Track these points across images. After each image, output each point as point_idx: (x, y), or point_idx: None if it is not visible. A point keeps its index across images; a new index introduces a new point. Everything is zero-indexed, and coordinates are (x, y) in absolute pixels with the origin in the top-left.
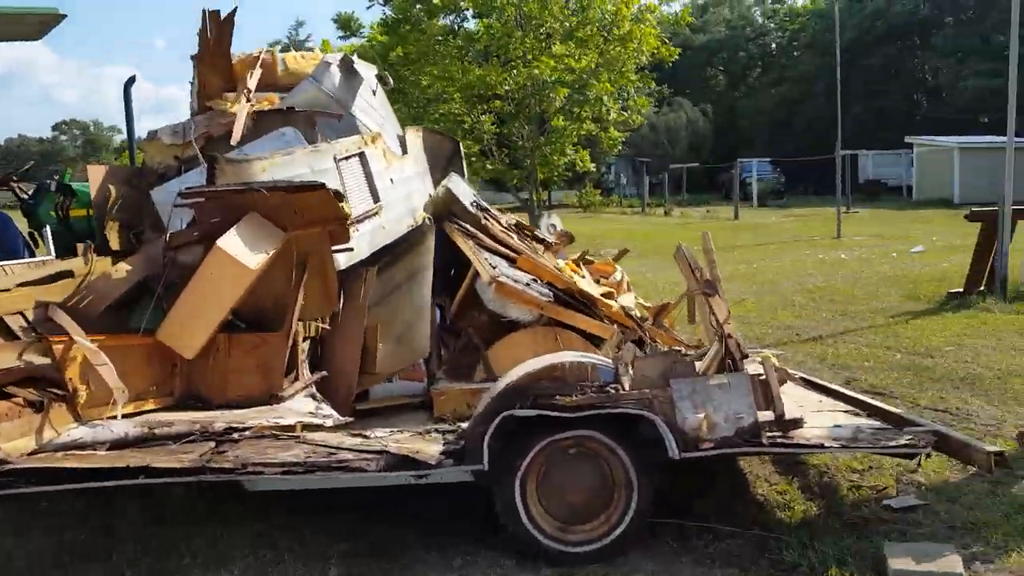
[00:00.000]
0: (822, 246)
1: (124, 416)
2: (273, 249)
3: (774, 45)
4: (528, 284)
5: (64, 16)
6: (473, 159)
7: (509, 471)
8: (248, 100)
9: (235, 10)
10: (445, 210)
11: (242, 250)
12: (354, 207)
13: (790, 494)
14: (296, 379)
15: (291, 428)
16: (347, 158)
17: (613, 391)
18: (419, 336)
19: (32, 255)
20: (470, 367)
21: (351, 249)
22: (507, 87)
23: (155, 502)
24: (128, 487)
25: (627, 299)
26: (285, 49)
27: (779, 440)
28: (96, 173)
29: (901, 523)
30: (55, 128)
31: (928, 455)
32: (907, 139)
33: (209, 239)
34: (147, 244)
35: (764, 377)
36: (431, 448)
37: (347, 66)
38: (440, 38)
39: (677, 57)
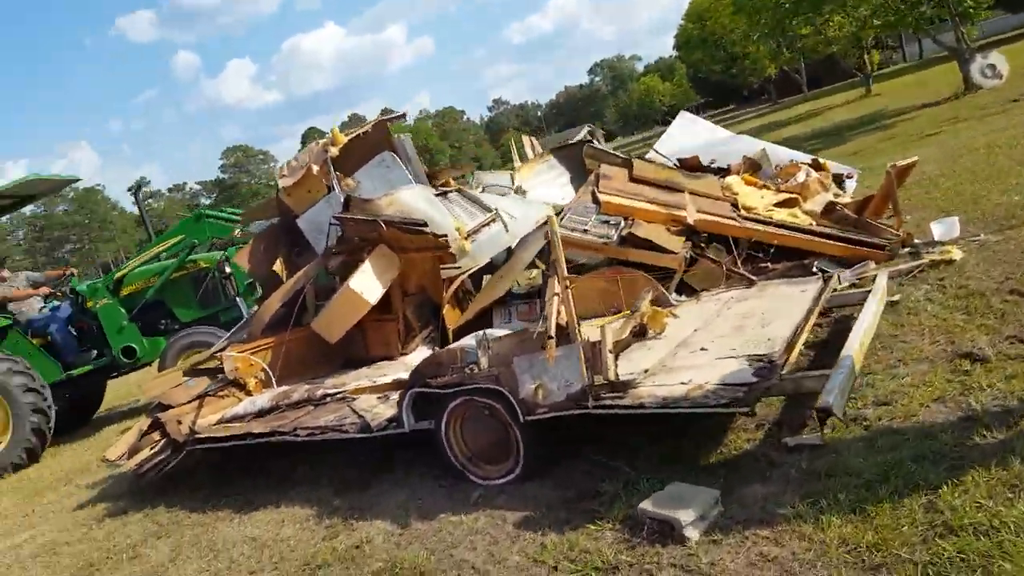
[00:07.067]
0: None
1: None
2: (392, 277)
3: None
4: (585, 231)
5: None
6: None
7: (438, 418)
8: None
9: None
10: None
11: (367, 287)
12: (466, 223)
13: (731, 434)
14: (414, 339)
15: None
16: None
17: (470, 371)
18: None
19: None
20: None
21: (458, 267)
22: None
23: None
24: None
25: (819, 200)
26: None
27: (605, 402)
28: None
29: (764, 462)
30: (590, 72)
31: (751, 413)
32: None
33: (352, 252)
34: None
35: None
36: (387, 413)
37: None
38: None
39: None
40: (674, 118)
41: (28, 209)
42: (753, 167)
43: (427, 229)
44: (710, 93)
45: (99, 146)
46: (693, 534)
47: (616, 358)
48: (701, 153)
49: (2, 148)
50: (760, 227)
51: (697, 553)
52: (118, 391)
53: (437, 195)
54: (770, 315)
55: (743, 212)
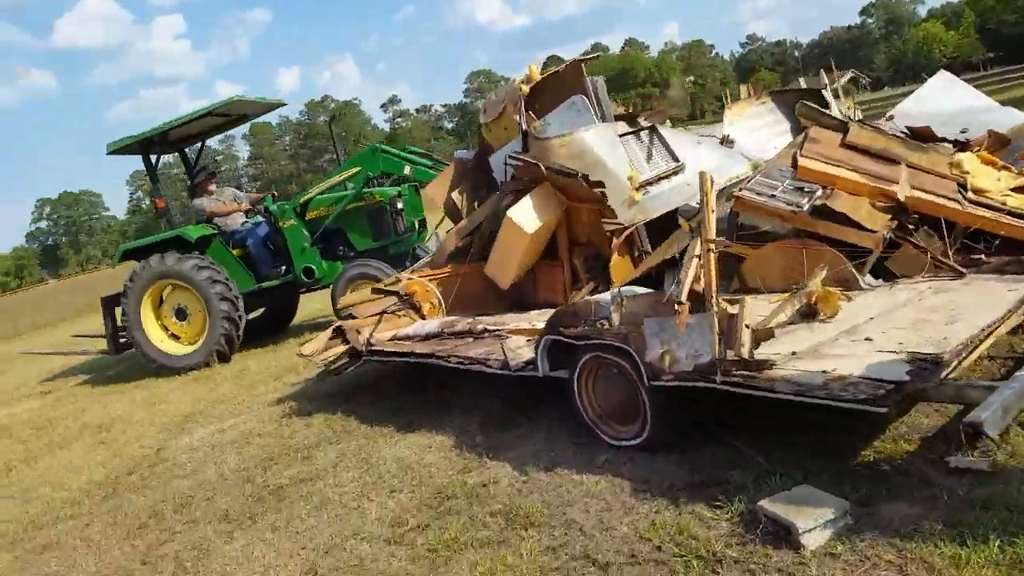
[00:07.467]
0: None
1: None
2: (552, 216)
3: None
4: (773, 196)
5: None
6: None
7: (571, 368)
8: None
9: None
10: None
11: (525, 218)
12: (643, 172)
13: (889, 441)
14: (580, 288)
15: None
16: (632, 132)
17: (601, 325)
18: None
19: None
20: (729, 277)
21: (620, 224)
22: None
23: None
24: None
25: None
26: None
27: (733, 379)
28: None
29: (916, 479)
30: (862, 12)
31: (890, 415)
32: None
33: (522, 192)
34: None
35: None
36: (528, 355)
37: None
38: None
39: None
40: (951, 71)
41: (294, 116)
42: (999, 143)
43: (579, 179)
44: (1001, 47)
45: (360, 60)
46: (810, 542)
47: (755, 335)
48: (952, 122)
49: (280, 56)
50: (984, 212)
51: (809, 563)
52: (323, 301)
53: (627, 134)
54: (962, 312)
55: (971, 195)
